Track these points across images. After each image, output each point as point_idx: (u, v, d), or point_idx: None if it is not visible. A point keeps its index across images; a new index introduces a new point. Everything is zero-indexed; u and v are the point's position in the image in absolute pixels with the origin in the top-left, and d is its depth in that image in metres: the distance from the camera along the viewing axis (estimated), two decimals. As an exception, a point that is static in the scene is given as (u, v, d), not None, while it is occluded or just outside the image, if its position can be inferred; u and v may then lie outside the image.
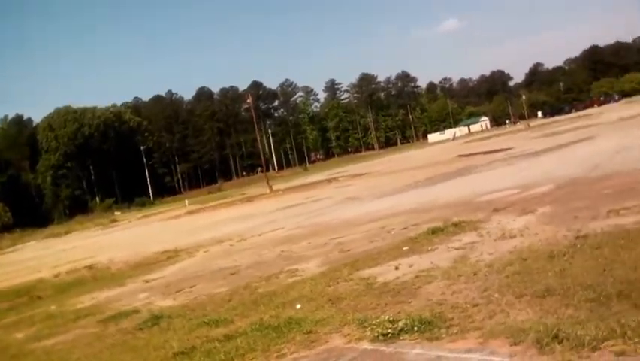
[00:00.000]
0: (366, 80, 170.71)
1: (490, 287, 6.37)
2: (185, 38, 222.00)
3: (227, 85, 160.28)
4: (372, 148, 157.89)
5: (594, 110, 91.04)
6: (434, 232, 10.66)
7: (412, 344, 5.19)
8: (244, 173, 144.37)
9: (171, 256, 17.93)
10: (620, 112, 52.29)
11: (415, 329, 5.44)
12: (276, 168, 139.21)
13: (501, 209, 11.85)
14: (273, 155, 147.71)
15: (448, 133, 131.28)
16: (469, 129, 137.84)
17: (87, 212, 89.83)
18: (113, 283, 14.85)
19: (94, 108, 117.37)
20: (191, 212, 45.83)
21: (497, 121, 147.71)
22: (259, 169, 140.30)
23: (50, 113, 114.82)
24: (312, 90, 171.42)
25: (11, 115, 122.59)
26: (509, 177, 18.56)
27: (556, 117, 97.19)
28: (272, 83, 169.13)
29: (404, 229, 12.29)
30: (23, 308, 13.92)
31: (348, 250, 11.24)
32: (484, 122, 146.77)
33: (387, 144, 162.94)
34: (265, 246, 15.25)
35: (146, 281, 13.61)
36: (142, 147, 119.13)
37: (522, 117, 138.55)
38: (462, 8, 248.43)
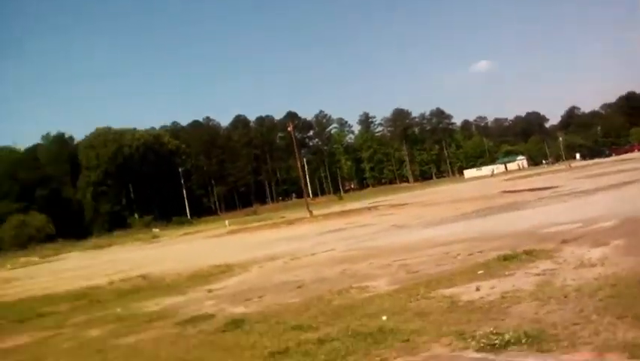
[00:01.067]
0: (400, 114, 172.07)
1: (585, 309, 6.43)
2: (221, 67, 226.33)
3: (262, 114, 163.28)
4: (407, 180, 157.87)
5: (635, 154, 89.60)
6: (506, 258, 10.68)
7: (523, 354, 5.29)
8: (279, 198, 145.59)
9: (225, 270, 18.11)
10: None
11: (523, 341, 5.54)
12: (311, 195, 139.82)
13: (570, 240, 11.81)
14: (308, 182, 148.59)
15: (485, 170, 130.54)
16: (505, 167, 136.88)
17: (126, 227, 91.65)
18: (172, 291, 15.10)
19: (134, 130, 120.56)
20: (232, 232, 46.31)
21: (534, 161, 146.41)
22: (293, 195, 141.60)
23: (92, 133, 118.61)
24: (346, 122, 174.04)
25: (53, 133, 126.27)
26: (566, 213, 18.40)
27: (596, 160, 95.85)
28: (306, 113, 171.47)
29: (470, 255, 12.32)
30: (87, 310, 14.22)
31: (416, 272, 11.33)
32: (522, 161, 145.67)
33: (422, 177, 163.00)
34: (323, 264, 15.39)
35: (209, 291, 13.85)
36: (180, 169, 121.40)
37: (558, 158, 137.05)
38: (492, 50, 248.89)
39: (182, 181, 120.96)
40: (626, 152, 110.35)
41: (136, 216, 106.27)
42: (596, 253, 9.82)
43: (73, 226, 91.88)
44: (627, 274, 7.74)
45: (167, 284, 17.27)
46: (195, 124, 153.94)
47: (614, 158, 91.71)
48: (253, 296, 11.72)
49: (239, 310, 10.45)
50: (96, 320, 12.34)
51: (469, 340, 5.95)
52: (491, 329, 6.07)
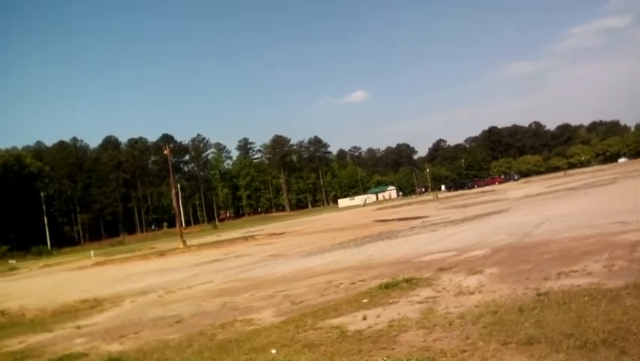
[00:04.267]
0: (279, 141, 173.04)
1: (470, 336, 6.62)
2: (93, 84, 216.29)
3: (135, 135, 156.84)
4: (283, 209, 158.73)
5: (496, 187, 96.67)
6: (387, 286, 10.88)
7: (418, 384, 5.30)
8: (150, 227, 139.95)
9: (94, 305, 16.91)
10: (523, 190, 55.97)
11: (417, 370, 5.56)
12: (184, 224, 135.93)
13: (446, 268, 12.29)
14: (182, 210, 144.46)
15: (358, 199, 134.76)
16: (377, 197, 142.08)
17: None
18: (36, 328, 13.73)
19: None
20: (99, 263, 43.56)
21: (403, 191, 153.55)
22: (165, 224, 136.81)
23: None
24: (224, 147, 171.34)
25: None
26: (438, 242, 19.26)
27: (460, 191, 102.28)
28: (183, 137, 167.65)
29: (352, 283, 12.44)
30: None
31: (301, 302, 11.20)
32: (392, 191, 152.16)
33: (299, 206, 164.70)
34: (201, 298, 14.83)
35: (78, 327, 12.78)
36: (42, 194, 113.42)
37: (427, 189, 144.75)
38: (368, 81, 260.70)
39: (44, 207, 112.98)
40: (488, 184, 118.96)
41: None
42: (472, 281, 10.26)
43: None
44: (505, 301, 8.11)
45: (29, 321, 15.76)
46: (61, 145, 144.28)
47: (477, 190, 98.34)
48: (128, 332, 10.97)
49: (114, 347, 9.71)
50: (-55, 363, 10.92)
51: (364, 372, 5.88)
52: (384, 358, 6.05)
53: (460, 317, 7.63)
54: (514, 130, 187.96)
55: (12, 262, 69.09)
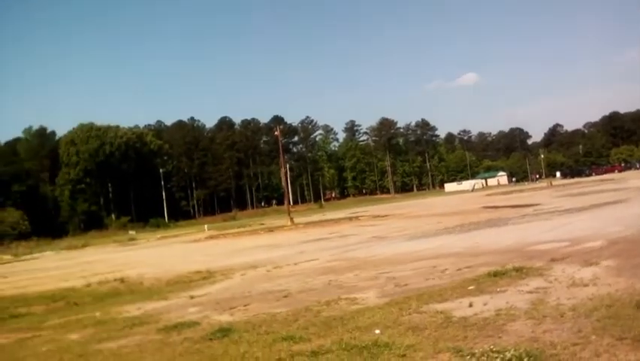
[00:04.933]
0: (385, 124, 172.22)
1: (583, 329, 6.35)
2: (209, 67, 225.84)
3: (248, 117, 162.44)
4: (388, 192, 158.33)
5: (616, 175, 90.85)
6: (496, 274, 10.62)
7: (525, 374, 5.19)
8: (260, 204, 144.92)
9: (206, 276, 17.82)
10: (646, 179, 52.18)
11: (525, 360, 5.43)
12: (291, 202, 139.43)
13: (559, 259, 11.78)
14: (290, 189, 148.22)
15: (466, 184, 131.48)
16: (485, 182, 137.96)
17: (102, 228, 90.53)
18: (153, 296, 14.77)
19: (117, 127, 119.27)
20: (211, 237, 45.83)
21: (515, 177, 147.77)
22: (274, 202, 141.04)
23: (74, 128, 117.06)
24: (331, 129, 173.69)
25: (35, 127, 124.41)
26: (551, 231, 18.47)
27: (577, 179, 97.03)
28: (293, 118, 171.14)
29: (458, 270, 12.25)
30: (64, 313, 13.81)
31: (405, 285, 11.20)
32: (502, 176, 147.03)
33: (404, 189, 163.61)
34: (307, 274, 15.21)
35: (191, 297, 13.55)
36: (161, 170, 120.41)
37: (540, 176, 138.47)
38: (481, 63, 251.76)
39: (162, 183, 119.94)
40: (607, 172, 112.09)
41: (113, 216, 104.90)
42: (587, 273, 9.79)
43: (48, 224, 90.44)
44: (622, 295, 7.69)
45: (146, 289, 16.94)
46: (179, 124, 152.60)
47: (594, 178, 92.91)
48: (238, 304, 11.49)
49: (224, 318, 10.22)
50: (74, 323, 11.99)
51: (468, 357, 5.83)
52: (490, 346, 5.96)
53: (573, 309, 7.33)
54: (638, 115, 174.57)
55: (132, 232, 74.21)
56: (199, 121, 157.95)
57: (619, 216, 20.10)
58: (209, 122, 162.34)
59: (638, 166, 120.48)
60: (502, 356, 5.58)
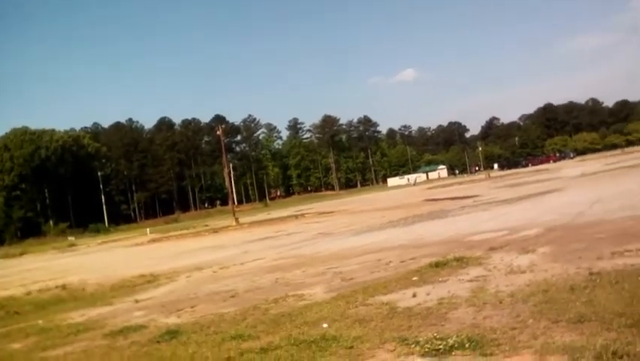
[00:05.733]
0: (328, 121, 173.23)
1: (521, 314, 6.63)
2: (147, 67, 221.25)
3: (188, 116, 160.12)
4: (333, 188, 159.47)
5: (551, 165, 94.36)
6: (437, 265, 10.93)
7: (467, 358, 5.39)
8: (204, 205, 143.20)
9: (150, 280, 17.60)
10: (579, 168, 54.48)
11: (466, 345, 5.65)
12: (236, 202, 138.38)
13: (497, 248, 12.22)
14: (234, 189, 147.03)
15: (408, 178, 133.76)
16: (427, 176, 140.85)
17: (40, 235, 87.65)
18: (97, 302, 14.47)
19: (52, 131, 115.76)
20: (154, 240, 45.07)
21: (453, 170, 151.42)
22: (218, 202, 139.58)
23: (7, 133, 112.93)
24: (274, 127, 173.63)
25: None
26: (489, 221, 19.07)
27: (513, 170, 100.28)
28: (235, 117, 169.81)
29: (402, 262, 12.53)
30: (4, 322, 13.34)
31: (351, 279, 11.39)
32: (442, 170, 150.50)
33: (348, 185, 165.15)
34: (254, 273, 15.22)
35: (136, 301, 13.38)
36: (99, 173, 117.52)
37: (479, 168, 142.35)
38: (418, 60, 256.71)
39: (101, 186, 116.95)
40: (542, 162, 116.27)
41: (51, 223, 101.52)
42: (524, 260, 10.20)
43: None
44: (557, 281, 8.06)
45: (89, 295, 16.55)
46: (117, 126, 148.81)
47: (530, 168, 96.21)
48: (185, 306, 11.42)
49: (172, 320, 10.13)
50: (16, 331, 11.64)
51: (413, 345, 6.01)
52: (434, 334, 6.17)
53: (511, 295, 7.63)
54: (571, 107, 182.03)
55: (71, 238, 72.18)
56: (137, 122, 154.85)
57: (554, 205, 20.95)
58: (148, 123, 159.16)
59: (571, 156, 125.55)
60: (445, 342, 5.79)
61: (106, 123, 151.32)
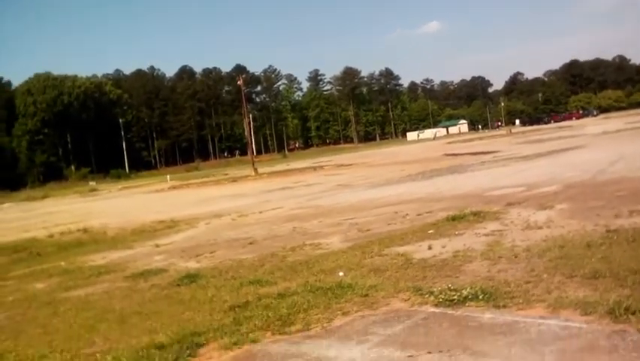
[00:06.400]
0: (349, 73, 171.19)
1: (535, 268, 6.68)
2: (170, 15, 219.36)
3: (210, 66, 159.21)
4: (352, 141, 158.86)
5: (573, 122, 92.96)
6: (454, 218, 10.98)
7: (480, 309, 5.48)
8: (223, 155, 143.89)
9: (170, 225, 17.87)
10: (601, 126, 53.59)
11: (480, 297, 5.73)
12: (255, 152, 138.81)
13: (515, 203, 12.22)
14: (253, 139, 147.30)
15: (428, 133, 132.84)
16: (447, 131, 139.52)
17: (61, 179, 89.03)
18: (118, 245, 14.81)
19: (74, 77, 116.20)
20: (174, 187, 45.62)
21: (474, 125, 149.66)
22: (237, 152, 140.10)
23: (30, 78, 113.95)
24: (295, 79, 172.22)
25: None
26: (509, 177, 19.01)
27: (535, 126, 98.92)
28: (255, 68, 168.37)
29: (419, 215, 12.59)
30: (28, 263, 13.75)
31: (368, 230, 11.50)
32: (463, 124, 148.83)
33: (367, 138, 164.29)
34: (272, 222, 15.41)
35: (157, 246, 13.64)
36: (121, 120, 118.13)
37: (502, 123, 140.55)
38: (444, 12, 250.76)
39: (122, 133, 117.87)
40: (565, 119, 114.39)
41: (72, 168, 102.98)
42: (541, 216, 10.21)
43: (5, 176, 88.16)
44: (574, 237, 8.08)
45: (110, 238, 16.91)
46: (139, 73, 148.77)
47: (552, 125, 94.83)
48: (204, 252, 11.65)
49: (191, 265, 10.38)
50: (39, 272, 12.00)
51: (427, 295, 6.12)
52: (448, 285, 6.26)
53: (526, 250, 7.68)
54: (597, 64, 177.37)
55: (92, 183, 73.21)
56: (159, 70, 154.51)
57: (575, 162, 20.77)
58: (170, 71, 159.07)
59: (595, 113, 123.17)
60: (458, 293, 5.88)
61: (128, 71, 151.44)
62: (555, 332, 4.70)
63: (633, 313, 4.71)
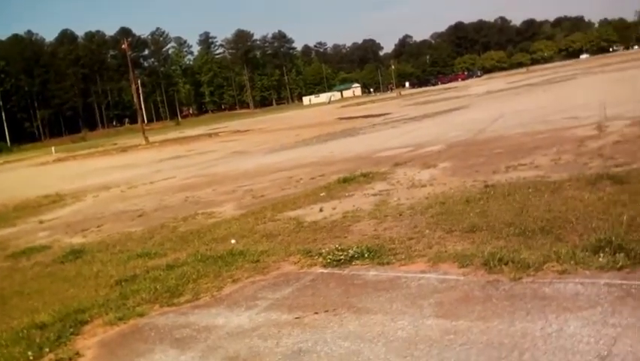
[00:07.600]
0: (242, 36, 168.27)
1: (418, 225, 6.99)
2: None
3: (92, 29, 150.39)
4: (247, 106, 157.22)
5: (459, 83, 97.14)
6: (345, 180, 11.21)
7: (365, 267, 5.67)
8: (112, 123, 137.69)
9: (55, 200, 17.06)
10: (484, 86, 56.42)
11: (365, 255, 5.92)
12: (146, 120, 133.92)
13: (402, 163, 12.67)
14: (143, 107, 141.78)
15: (323, 97, 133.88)
16: (342, 95, 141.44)
17: None
18: (-1, 223, 13.96)
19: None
20: (60, 160, 43.30)
21: (367, 88, 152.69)
22: (126, 120, 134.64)
23: None
24: (185, 42, 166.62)
25: None
26: (397, 138, 19.64)
27: (423, 88, 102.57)
28: (142, 30, 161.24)
29: (312, 178, 12.75)
30: None
31: (262, 196, 11.50)
32: (356, 88, 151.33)
33: (263, 103, 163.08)
34: (163, 192, 15.05)
35: (40, 222, 12.95)
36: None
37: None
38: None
39: (1, 103, 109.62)
40: (451, 81, 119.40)
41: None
42: (425, 175, 10.66)
43: None
44: (454, 193, 8.49)
45: (-10, 215, 15.85)
46: (15, 38, 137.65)
47: (440, 87, 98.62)
48: (91, 226, 11.21)
49: (77, 240, 9.94)
50: None
51: (316, 257, 6.23)
52: (336, 246, 6.40)
53: (410, 208, 7.99)
54: (480, 25, 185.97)
55: (-30, 159, 67.78)
56: (37, 35, 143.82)
57: (458, 122, 21.76)
58: (50, 36, 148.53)
59: (479, 74, 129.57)
60: (345, 253, 6.04)
61: (3, 36, 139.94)
62: (434, 285, 4.94)
63: (506, 264, 5.02)
